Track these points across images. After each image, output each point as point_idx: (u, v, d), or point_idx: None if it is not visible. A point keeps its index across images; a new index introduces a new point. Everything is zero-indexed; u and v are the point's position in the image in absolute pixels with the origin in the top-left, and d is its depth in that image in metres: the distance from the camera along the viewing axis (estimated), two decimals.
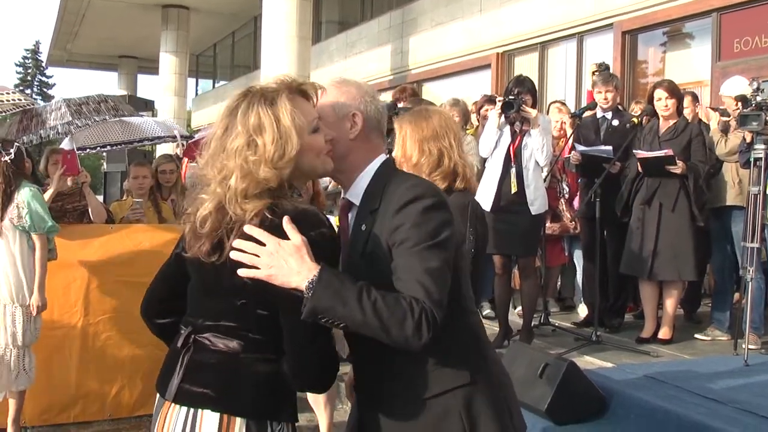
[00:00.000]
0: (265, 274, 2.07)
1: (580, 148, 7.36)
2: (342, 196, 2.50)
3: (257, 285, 2.13)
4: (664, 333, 6.77)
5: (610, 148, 7.12)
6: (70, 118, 6.39)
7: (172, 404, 2.26)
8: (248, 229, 2.10)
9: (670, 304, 6.83)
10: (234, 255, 2.09)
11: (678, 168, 6.59)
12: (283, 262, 2.07)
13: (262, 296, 2.15)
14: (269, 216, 2.14)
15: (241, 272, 2.08)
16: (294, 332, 2.15)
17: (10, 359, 5.54)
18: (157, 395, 2.36)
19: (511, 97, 6.63)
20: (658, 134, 6.95)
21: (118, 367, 6.29)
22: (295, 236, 2.07)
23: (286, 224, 2.07)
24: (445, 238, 2.21)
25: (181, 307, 2.42)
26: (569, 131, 8.17)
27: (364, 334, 2.09)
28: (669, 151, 6.62)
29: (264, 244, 2.08)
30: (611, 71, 9.64)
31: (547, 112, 8.91)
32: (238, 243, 2.10)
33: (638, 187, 6.91)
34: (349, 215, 2.45)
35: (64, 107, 6.56)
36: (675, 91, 6.98)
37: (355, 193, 2.42)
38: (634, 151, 6.87)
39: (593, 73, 8.32)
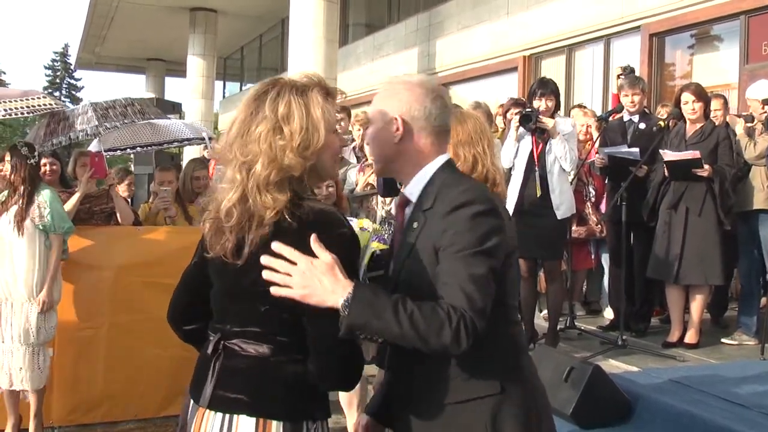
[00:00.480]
0: (300, 294, 2.07)
1: (607, 149, 7.34)
2: (401, 191, 2.53)
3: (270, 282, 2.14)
4: (690, 337, 6.75)
5: (636, 150, 7.10)
6: (97, 123, 6.44)
7: (207, 410, 2.28)
8: (276, 247, 2.08)
9: (696, 308, 6.80)
10: (266, 275, 2.08)
11: (704, 171, 6.57)
12: (317, 281, 2.06)
13: (285, 302, 2.15)
14: (288, 218, 2.16)
15: (274, 291, 2.08)
16: (320, 338, 2.17)
17: (22, 357, 5.64)
18: (190, 401, 2.38)
19: (528, 109, 6.67)
20: (684, 138, 6.93)
21: (144, 367, 6.33)
22: (324, 254, 2.07)
23: (314, 244, 2.06)
24: (492, 246, 2.21)
25: (206, 313, 2.43)
26: (595, 134, 8.16)
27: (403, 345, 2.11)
28: (696, 153, 6.59)
29: (294, 262, 2.07)
30: (638, 74, 9.61)
31: (567, 115, 8.89)
32: (267, 260, 2.09)
33: (665, 191, 6.90)
34: (406, 210, 2.49)
35: (90, 111, 6.62)
36: (702, 95, 6.95)
37: (412, 191, 2.45)
38: (660, 151, 6.84)
39: (618, 76, 8.29)
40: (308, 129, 2.21)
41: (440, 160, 2.45)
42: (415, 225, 2.36)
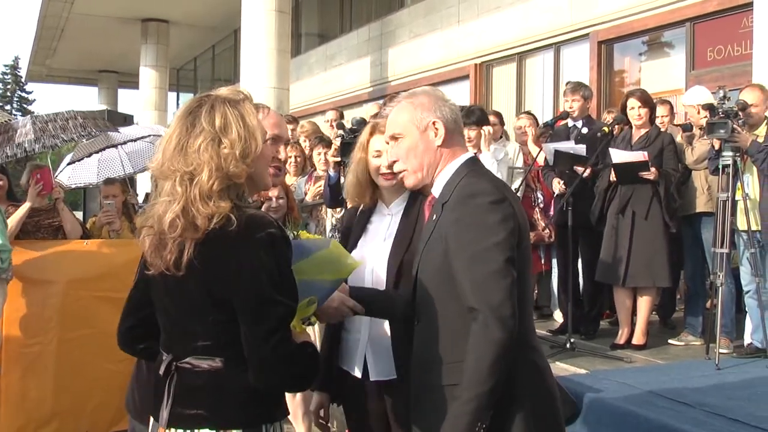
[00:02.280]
0: None
1: (552, 144, 7.42)
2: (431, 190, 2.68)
3: (217, 292, 2.20)
4: (637, 339, 6.86)
5: (583, 146, 7.20)
6: (33, 136, 6.32)
7: (168, 429, 2.31)
8: None
9: (643, 310, 6.92)
10: None
11: (651, 174, 6.69)
12: None
13: (228, 306, 2.21)
14: (228, 224, 2.20)
15: None
16: (249, 332, 2.20)
17: None
18: (150, 423, 2.42)
19: None
20: (630, 143, 7.05)
21: (95, 383, 6.26)
22: None
23: None
24: (502, 239, 2.31)
25: (157, 331, 2.45)
26: (530, 139, 8.28)
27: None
28: (644, 155, 6.71)
29: None
30: (587, 81, 9.75)
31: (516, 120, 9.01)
32: None
33: (611, 196, 7.02)
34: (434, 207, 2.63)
35: (29, 124, 6.48)
36: (647, 101, 7.09)
37: (438, 187, 2.61)
38: (610, 150, 6.94)
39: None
40: (246, 138, 2.28)
41: (465, 156, 2.62)
42: (434, 217, 2.53)
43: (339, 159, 5.67)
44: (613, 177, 6.96)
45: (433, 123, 2.58)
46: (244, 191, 2.33)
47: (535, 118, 8.94)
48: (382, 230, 3.26)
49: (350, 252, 3.17)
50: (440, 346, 2.45)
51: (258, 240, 2.20)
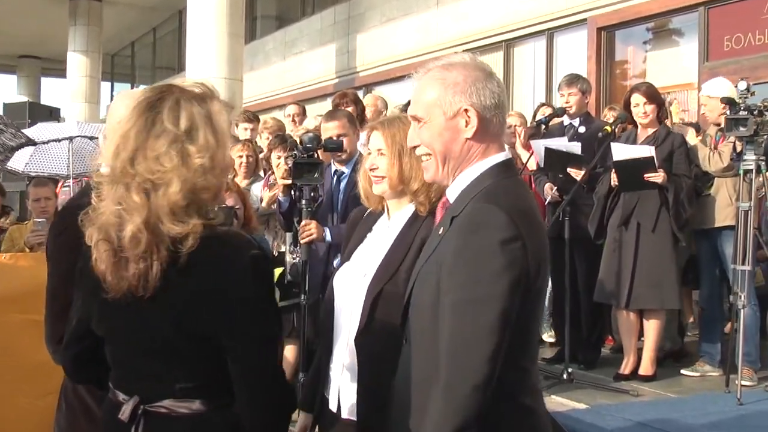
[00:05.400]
0: None
1: (543, 141, 7.41)
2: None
3: (191, 326, 2.17)
4: (645, 368, 6.83)
5: (578, 144, 7.21)
6: None
7: None
8: None
9: (651, 335, 6.89)
10: None
11: (658, 176, 6.66)
12: None
13: (200, 340, 2.19)
14: (197, 246, 2.16)
15: None
16: (247, 373, 2.21)
17: None
18: None
19: None
20: (635, 142, 7.04)
21: (13, 418, 6.17)
22: None
23: None
24: (499, 291, 2.17)
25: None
26: (518, 140, 8.29)
27: None
28: (650, 150, 6.68)
29: None
30: (585, 73, 9.77)
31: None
32: None
33: (613, 205, 7.01)
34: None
35: None
36: (654, 96, 7.07)
37: (454, 191, 2.45)
38: (611, 144, 6.92)
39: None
40: (215, 146, 2.22)
41: (496, 158, 2.43)
42: (440, 231, 2.38)
43: (290, 182, 5.53)
44: (614, 181, 6.93)
45: (465, 110, 2.38)
46: (206, 204, 2.28)
47: (525, 118, 8.94)
48: (382, 241, 3.28)
49: (351, 255, 3.26)
50: (424, 372, 2.38)
51: (243, 266, 2.18)
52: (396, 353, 2.57)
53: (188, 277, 2.16)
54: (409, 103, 2.78)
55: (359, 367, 3.05)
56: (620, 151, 6.83)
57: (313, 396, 3.27)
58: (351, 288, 3.15)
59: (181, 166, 2.17)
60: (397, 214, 3.28)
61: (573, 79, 7.74)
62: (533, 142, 7.55)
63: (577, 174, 7.09)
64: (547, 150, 7.25)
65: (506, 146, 2.50)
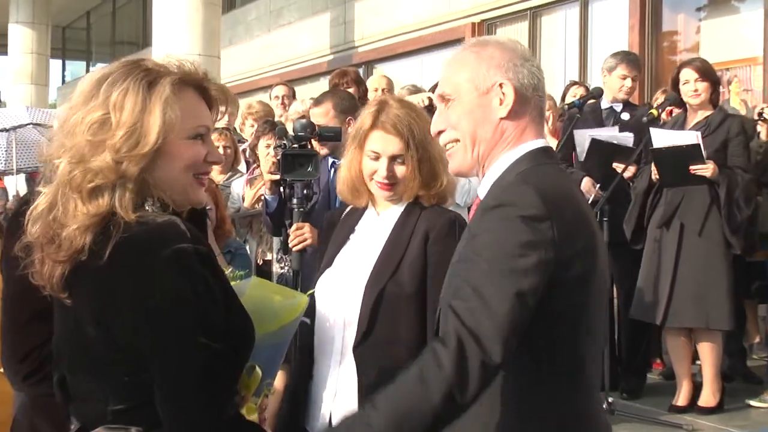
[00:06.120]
0: None
1: (591, 132, 7.36)
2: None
3: (111, 326, 2.20)
4: (705, 399, 6.79)
5: (629, 135, 7.17)
6: None
7: None
8: None
9: (708, 359, 6.82)
10: None
11: (707, 169, 6.63)
12: None
13: (124, 348, 2.20)
14: (95, 243, 2.18)
15: None
16: (162, 393, 2.19)
17: None
18: None
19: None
20: (683, 128, 7.01)
21: None
22: None
23: None
24: (521, 267, 2.20)
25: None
26: (546, 125, 8.29)
27: None
28: (698, 135, 6.65)
29: None
30: (627, 46, 9.71)
31: None
32: None
33: (655, 202, 6.97)
34: None
35: None
36: (708, 73, 7.02)
37: (483, 186, 2.51)
38: (650, 129, 6.87)
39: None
40: (136, 125, 2.25)
41: (532, 144, 2.48)
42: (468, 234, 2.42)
43: (278, 177, 5.45)
44: (655, 174, 6.90)
45: (500, 85, 2.44)
46: (153, 197, 2.32)
47: (554, 100, 8.95)
48: (372, 239, 3.32)
49: (333, 260, 3.27)
50: None
51: (161, 260, 2.18)
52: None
53: (94, 274, 2.19)
54: (436, 85, 2.83)
55: (360, 384, 3.08)
56: (661, 138, 6.79)
57: None
58: (340, 295, 3.18)
59: (85, 143, 2.23)
60: (387, 211, 3.35)
61: (637, 60, 7.69)
62: (576, 132, 7.49)
63: (625, 170, 7.04)
64: (594, 141, 7.23)
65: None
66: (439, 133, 2.58)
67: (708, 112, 7.02)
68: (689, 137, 6.69)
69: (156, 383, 2.18)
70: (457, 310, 2.18)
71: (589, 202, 7.40)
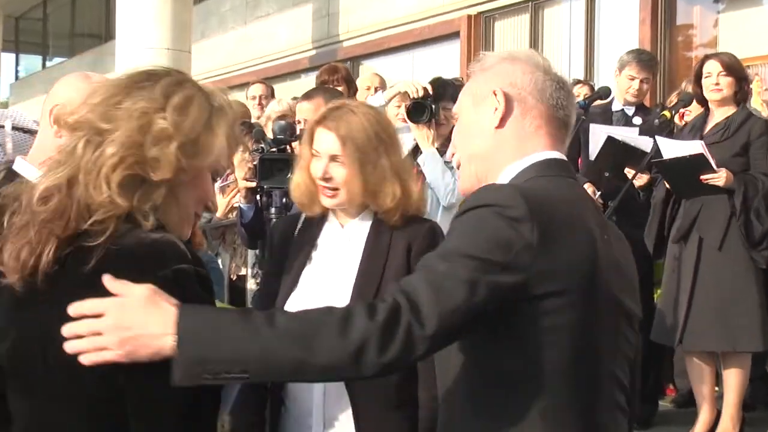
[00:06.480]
0: (122, 354, 2.08)
1: (608, 129, 7.34)
2: None
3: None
4: (724, 427, 6.75)
5: (649, 139, 7.10)
6: None
7: None
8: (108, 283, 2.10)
9: (732, 384, 6.79)
10: (68, 347, 2.07)
11: (717, 178, 6.59)
12: (136, 326, 2.07)
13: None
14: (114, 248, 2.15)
15: (86, 360, 2.07)
16: (144, 405, 2.16)
17: None
18: None
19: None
20: (702, 131, 6.97)
21: None
22: (134, 288, 2.08)
23: (110, 282, 2.09)
24: (488, 259, 2.20)
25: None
26: None
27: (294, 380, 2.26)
28: (701, 144, 6.61)
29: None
30: (638, 41, 9.70)
31: None
32: (68, 330, 2.08)
33: (674, 213, 6.96)
34: None
35: None
36: (734, 68, 6.96)
37: None
38: (657, 139, 6.83)
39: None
40: (197, 138, 2.26)
41: (539, 156, 2.47)
42: None
43: (255, 184, 5.39)
44: (667, 184, 6.92)
45: (494, 93, 2.45)
46: (160, 212, 2.28)
47: None
48: (341, 255, 3.32)
49: (298, 281, 3.30)
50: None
51: (158, 281, 2.14)
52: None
53: (92, 282, 2.12)
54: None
55: (354, 404, 3.13)
56: (668, 148, 6.76)
57: None
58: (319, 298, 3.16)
59: (139, 127, 2.20)
60: (353, 222, 3.38)
61: (653, 60, 7.68)
62: (593, 127, 7.47)
63: (637, 177, 7.01)
64: (610, 140, 7.17)
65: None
66: (453, 155, 2.65)
67: (731, 111, 6.96)
68: (693, 147, 6.64)
69: (132, 416, 2.15)
70: (404, 279, 2.27)
71: None
